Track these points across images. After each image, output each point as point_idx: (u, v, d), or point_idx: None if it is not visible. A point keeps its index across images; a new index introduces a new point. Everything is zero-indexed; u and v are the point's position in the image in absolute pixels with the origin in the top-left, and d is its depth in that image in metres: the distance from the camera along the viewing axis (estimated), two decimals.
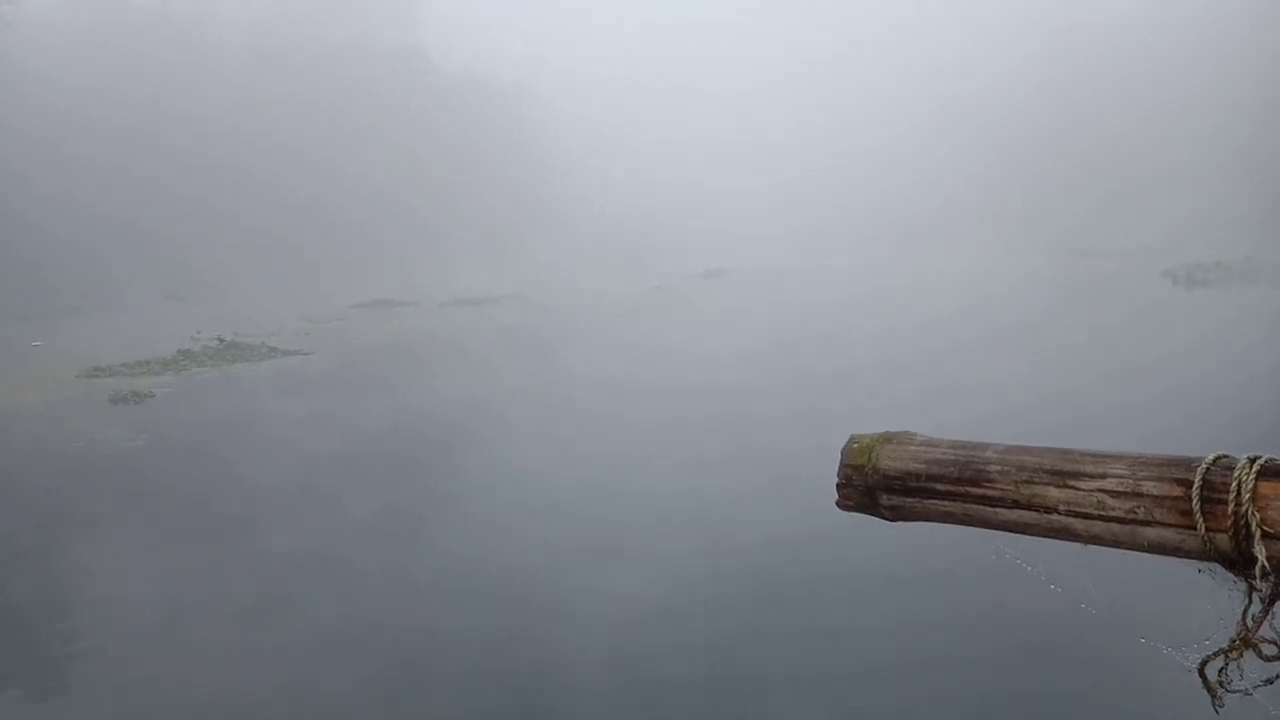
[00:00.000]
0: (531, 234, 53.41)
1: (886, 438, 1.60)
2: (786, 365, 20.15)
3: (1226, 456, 1.28)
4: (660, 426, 15.04)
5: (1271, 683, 1.31)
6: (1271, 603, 1.26)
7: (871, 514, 1.61)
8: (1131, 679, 6.22)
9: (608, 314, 31.39)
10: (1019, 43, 68.22)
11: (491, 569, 9.33)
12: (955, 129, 67.69)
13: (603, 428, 15.29)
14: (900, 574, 8.21)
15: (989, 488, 1.45)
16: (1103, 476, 1.34)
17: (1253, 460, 1.26)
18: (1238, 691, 1.32)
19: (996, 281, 35.71)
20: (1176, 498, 1.28)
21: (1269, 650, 1.29)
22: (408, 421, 16.64)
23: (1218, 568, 1.28)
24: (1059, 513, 1.38)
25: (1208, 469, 1.27)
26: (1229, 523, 1.24)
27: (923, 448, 1.55)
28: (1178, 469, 1.30)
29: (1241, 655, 1.30)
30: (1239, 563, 1.25)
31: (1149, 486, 1.30)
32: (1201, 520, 1.25)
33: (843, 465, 1.61)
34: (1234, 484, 1.24)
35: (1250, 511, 1.22)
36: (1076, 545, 1.39)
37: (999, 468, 1.44)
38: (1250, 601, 1.28)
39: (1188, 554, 1.29)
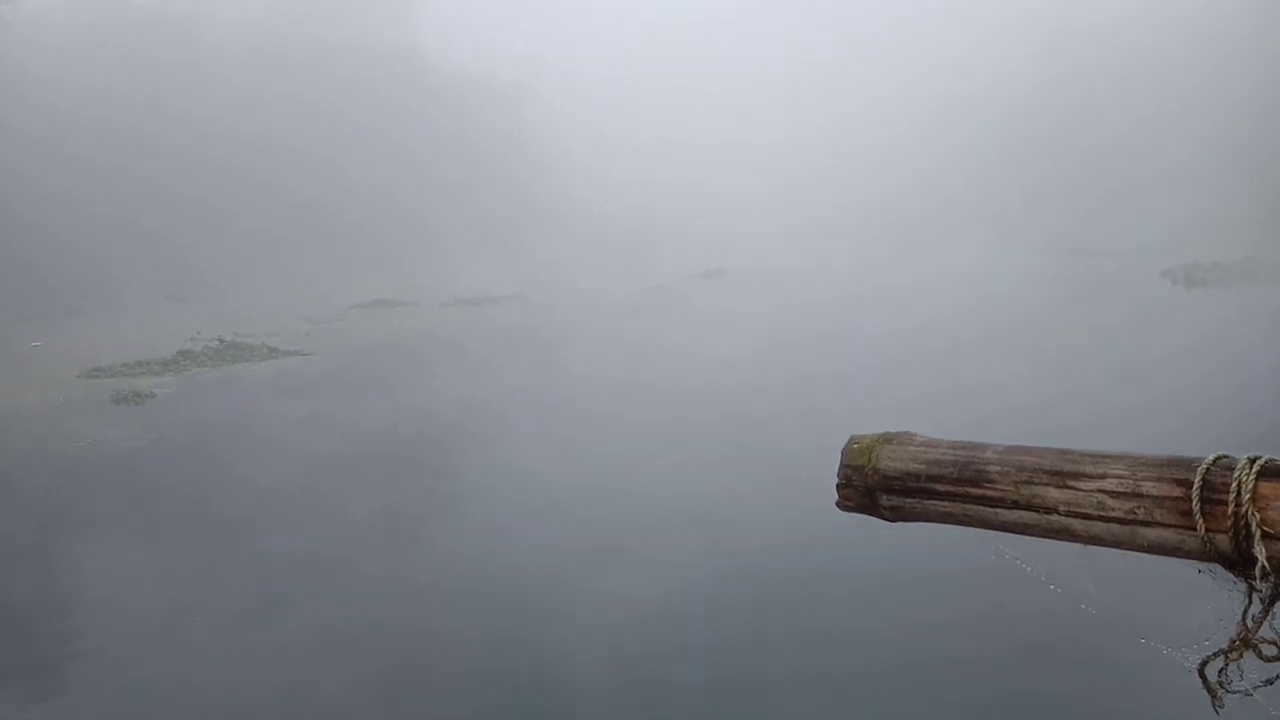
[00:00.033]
0: (531, 234, 53.38)
1: (886, 438, 1.60)
2: (786, 365, 20.15)
3: (1226, 457, 1.28)
4: (660, 426, 15.04)
5: (1271, 683, 1.31)
6: (1271, 603, 1.26)
7: (871, 514, 1.61)
8: (1131, 680, 6.22)
9: (608, 314, 31.38)
10: (1019, 43, 68.17)
11: (491, 569, 9.33)
12: (955, 129, 67.63)
13: (603, 428, 15.29)
14: (900, 574, 8.21)
15: (989, 488, 1.45)
16: (1102, 477, 1.34)
17: (1253, 461, 1.26)
18: (1238, 692, 1.32)
19: (996, 281, 35.70)
20: (1176, 498, 1.28)
21: (1269, 651, 1.29)
22: (408, 422, 16.64)
23: (1218, 568, 1.28)
24: (1059, 513, 1.38)
25: (1208, 469, 1.27)
26: (1229, 523, 1.24)
27: (922, 448, 1.55)
28: (1177, 469, 1.30)
29: (1241, 656, 1.30)
30: (1239, 563, 1.25)
31: (1149, 487, 1.30)
32: (1201, 521, 1.25)
33: (843, 466, 1.61)
34: (1234, 484, 1.24)
35: (1250, 512, 1.22)
36: (1076, 546, 1.39)
37: (999, 468, 1.45)
38: (1250, 602, 1.28)
39: (1188, 554, 1.29)
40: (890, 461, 1.56)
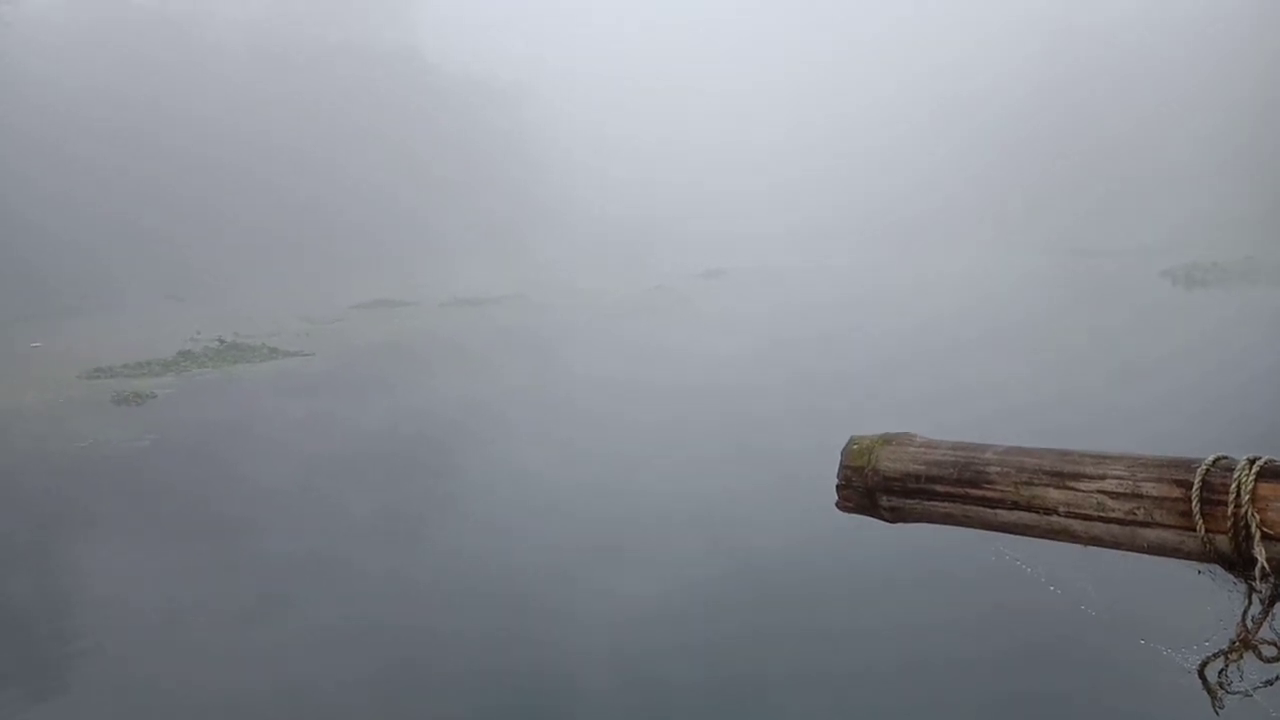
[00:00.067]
0: (531, 234, 53.38)
1: (886, 439, 1.60)
2: (786, 365, 20.15)
3: (1226, 458, 1.28)
4: (660, 426, 15.04)
5: (1271, 684, 1.31)
6: (1271, 604, 1.26)
7: (871, 515, 1.61)
8: (1131, 680, 6.22)
9: (608, 314, 31.38)
10: (1019, 43, 68.17)
11: (491, 569, 9.33)
12: (955, 129, 67.63)
13: (603, 428, 15.29)
14: (900, 575, 8.21)
15: (989, 489, 1.45)
16: (1102, 478, 1.34)
17: (1252, 461, 1.26)
18: (1238, 693, 1.32)
19: (996, 281, 35.69)
20: (1176, 499, 1.28)
21: (1269, 652, 1.29)
22: (408, 422, 16.64)
23: (1217, 569, 1.28)
24: (1059, 514, 1.38)
25: (1207, 470, 1.27)
26: (1229, 524, 1.24)
27: (922, 449, 1.55)
28: (1177, 470, 1.30)
29: (1241, 657, 1.30)
30: (1239, 564, 1.25)
31: (1148, 488, 1.30)
32: (1201, 522, 1.25)
33: (842, 466, 1.61)
34: (1233, 485, 1.24)
35: (1250, 513, 1.22)
36: (1076, 547, 1.39)
37: (999, 469, 1.44)
38: (1250, 603, 1.28)
39: (1187, 555, 1.29)
40: (890, 462, 1.56)
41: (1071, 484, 1.37)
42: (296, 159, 46.52)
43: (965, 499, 1.47)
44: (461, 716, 6.77)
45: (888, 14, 78.27)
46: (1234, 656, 1.30)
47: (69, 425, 16.51)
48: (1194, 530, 1.26)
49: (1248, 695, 1.32)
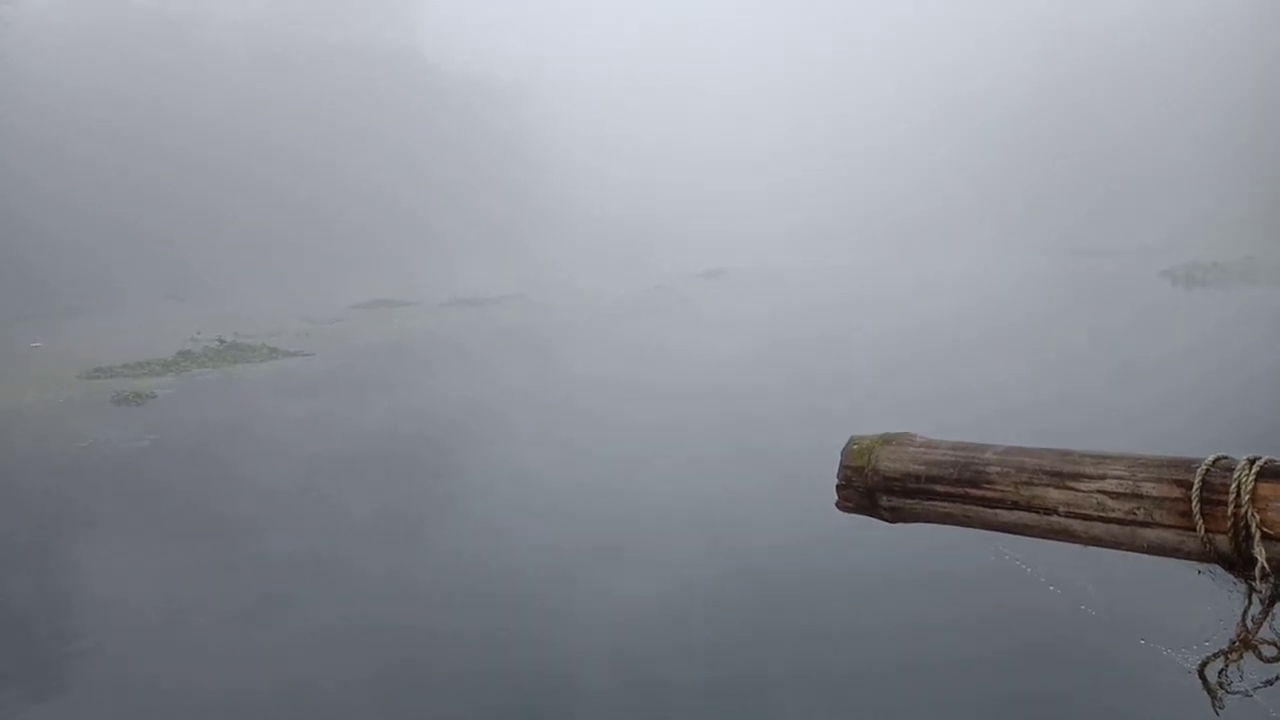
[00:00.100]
0: (531, 234, 53.38)
1: (886, 439, 1.60)
2: (786, 365, 20.15)
3: (1226, 458, 1.28)
4: (660, 426, 15.04)
5: (1271, 684, 1.31)
6: (1271, 604, 1.26)
7: (871, 515, 1.61)
8: (1131, 681, 6.22)
9: (608, 314, 31.38)
10: (1019, 43, 68.17)
11: (491, 569, 9.33)
12: (955, 129, 67.62)
13: (603, 428, 15.29)
14: (900, 575, 8.21)
15: (989, 489, 1.45)
16: (1102, 478, 1.34)
17: (1252, 461, 1.26)
18: (1238, 693, 1.32)
19: (996, 281, 35.69)
20: (1176, 499, 1.28)
21: (1269, 652, 1.29)
22: (408, 422, 16.64)
23: (1217, 569, 1.28)
24: (1059, 514, 1.38)
25: (1207, 470, 1.27)
26: (1228, 524, 1.24)
27: (922, 449, 1.55)
28: (1177, 470, 1.30)
29: (1241, 657, 1.30)
30: (1239, 564, 1.25)
31: (1148, 488, 1.30)
32: (1201, 522, 1.25)
33: (842, 466, 1.61)
34: (1233, 485, 1.24)
35: (1250, 513, 1.22)
36: (1076, 547, 1.39)
37: (999, 469, 1.44)
38: (1250, 603, 1.28)
39: (1187, 555, 1.29)
40: (890, 462, 1.56)
41: (1071, 484, 1.37)
42: (296, 159, 46.53)
43: (965, 499, 1.47)
44: (461, 716, 6.77)
45: (888, 14, 78.30)
46: (1234, 656, 1.30)
47: (69, 425, 16.50)
48: (1194, 530, 1.26)
49: (1248, 695, 1.32)
